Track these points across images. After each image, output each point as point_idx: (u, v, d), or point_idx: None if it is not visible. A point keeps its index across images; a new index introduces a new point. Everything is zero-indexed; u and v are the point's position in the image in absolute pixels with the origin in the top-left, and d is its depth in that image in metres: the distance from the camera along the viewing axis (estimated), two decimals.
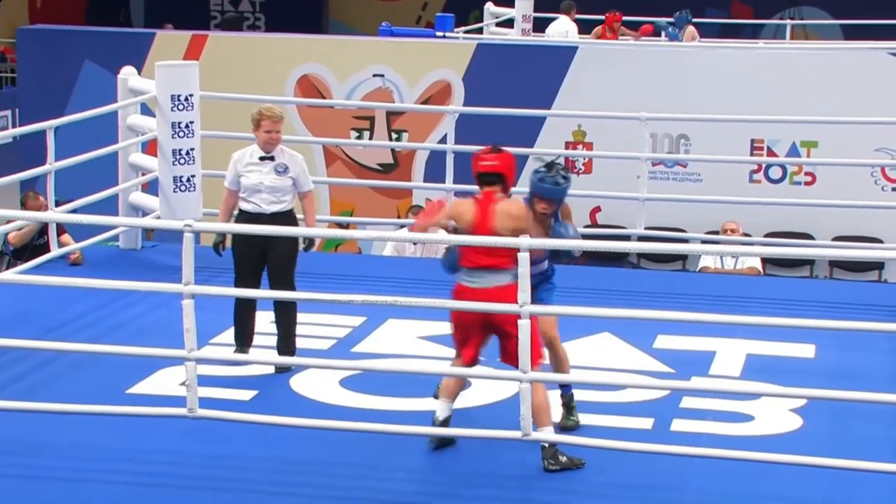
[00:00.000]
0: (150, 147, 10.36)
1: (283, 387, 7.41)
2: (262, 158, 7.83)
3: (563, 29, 15.21)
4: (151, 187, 10.33)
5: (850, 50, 13.99)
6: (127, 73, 10.34)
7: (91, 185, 10.00)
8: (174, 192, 9.48)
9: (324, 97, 13.06)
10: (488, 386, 7.29)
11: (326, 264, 10.15)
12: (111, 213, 9.88)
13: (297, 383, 7.44)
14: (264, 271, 7.84)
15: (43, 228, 9.76)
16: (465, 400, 7.24)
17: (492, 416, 6.98)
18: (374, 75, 13.07)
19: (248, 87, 11.92)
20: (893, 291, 10.11)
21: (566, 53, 12.73)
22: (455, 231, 6.61)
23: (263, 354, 7.84)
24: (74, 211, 9.56)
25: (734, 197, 11.23)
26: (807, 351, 8.12)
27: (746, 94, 12.12)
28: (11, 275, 8.67)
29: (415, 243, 10.80)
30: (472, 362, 6.65)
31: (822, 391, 6.73)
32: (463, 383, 6.78)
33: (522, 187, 7.17)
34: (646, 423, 6.98)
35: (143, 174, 10.36)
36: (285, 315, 7.85)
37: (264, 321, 8.19)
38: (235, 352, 7.86)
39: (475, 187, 6.76)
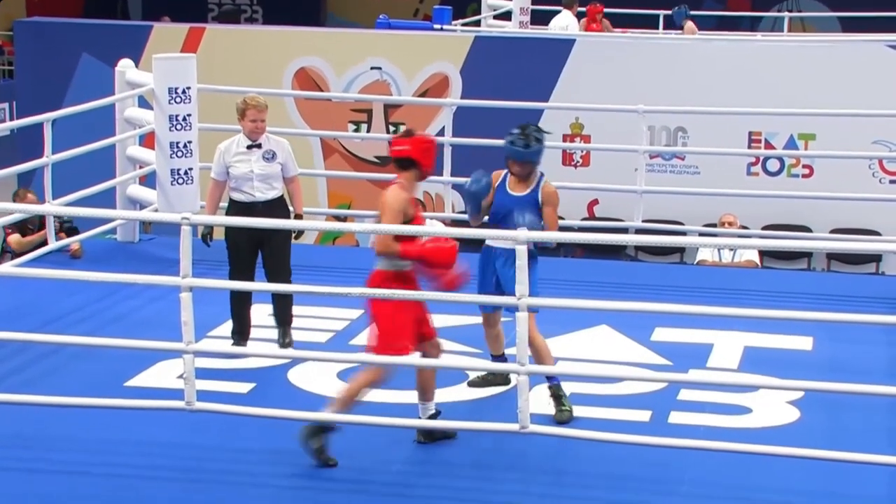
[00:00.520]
0: (147, 140, 10.35)
1: (281, 380, 7.42)
2: (249, 147, 7.88)
3: (563, 23, 15.19)
4: (149, 180, 10.33)
5: (847, 42, 13.97)
6: (124, 65, 10.34)
7: (88, 177, 9.99)
8: (172, 184, 9.49)
9: (321, 90, 13.04)
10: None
11: (324, 257, 10.16)
12: (109, 206, 9.87)
13: (295, 376, 7.45)
14: (258, 261, 7.87)
15: (44, 241, 9.70)
16: (461, 393, 7.26)
17: (489, 408, 7.00)
18: (372, 68, 13.05)
19: (245, 79, 11.89)
20: (891, 284, 10.11)
21: (564, 46, 12.72)
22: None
23: (261, 347, 7.85)
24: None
25: (732, 189, 11.23)
26: (804, 343, 8.13)
27: (744, 86, 12.11)
28: (9, 268, 8.66)
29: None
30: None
31: (820, 383, 6.74)
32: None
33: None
34: (643, 415, 6.99)
35: (141, 167, 10.36)
36: (283, 304, 7.90)
37: (261, 314, 8.20)
38: (233, 345, 7.87)
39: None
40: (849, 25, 17.85)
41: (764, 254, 11.43)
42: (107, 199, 10.10)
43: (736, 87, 12.11)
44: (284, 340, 7.95)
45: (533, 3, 16.03)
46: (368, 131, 13.04)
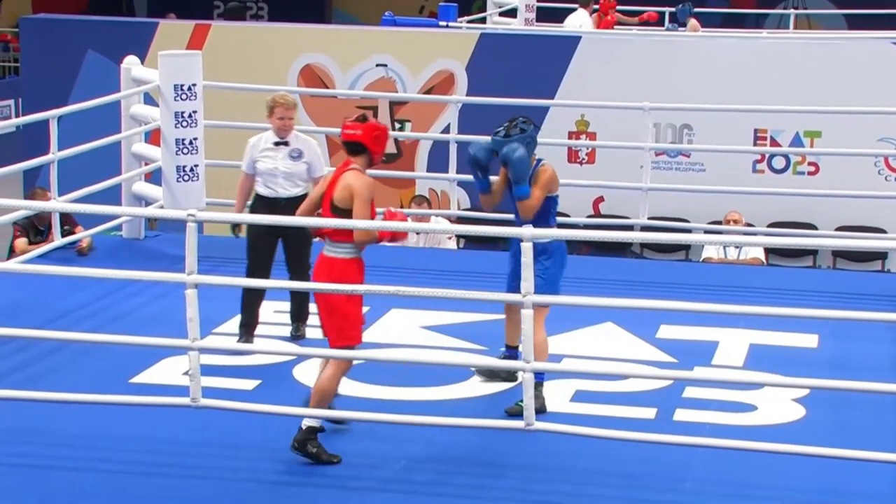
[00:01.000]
0: (153, 136, 10.36)
1: (287, 376, 7.42)
2: (276, 144, 8.00)
3: (578, 22, 15.14)
4: (154, 177, 10.33)
5: (853, 40, 13.95)
6: (130, 62, 10.34)
7: (94, 174, 10.00)
8: (177, 181, 9.49)
9: (327, 87, 13.05)
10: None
11: None
12: (114, 203, 9.88)
13: (301, 373, 7.45)
14: (276, 257, 7.95)
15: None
16: (466, 390, 7.26)
17: (493, 405, 7.00)
18: (378, 65, 13.06)
19: (251, 76, 11.91)
20: None
21: (569, 43, 12.71)
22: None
23: (266, 344, 7.85)
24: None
25: (737, 187, 11.22)
26: (809, 341, 8.12)
27: (750, 83, 12.10)
28: (15, 264, 8.68)
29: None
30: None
31: (825, 381, 6.74)
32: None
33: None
34: (649, 412, 6.98)
35: (147, 164, 10.36)
36: (301, 300, 8.02)
37: (268, 311, 8.21)
38: (239, 340, 7.89)
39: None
40: (855, 23, 17.81)
41: (769, 251, 11.42)
42: (112, 195, 10.11)
43: (741, 84, 12.10)
44: (297, 333, 8.04)
45: (539, 0, 16.02)
46: None
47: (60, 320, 8.23)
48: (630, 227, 10.70)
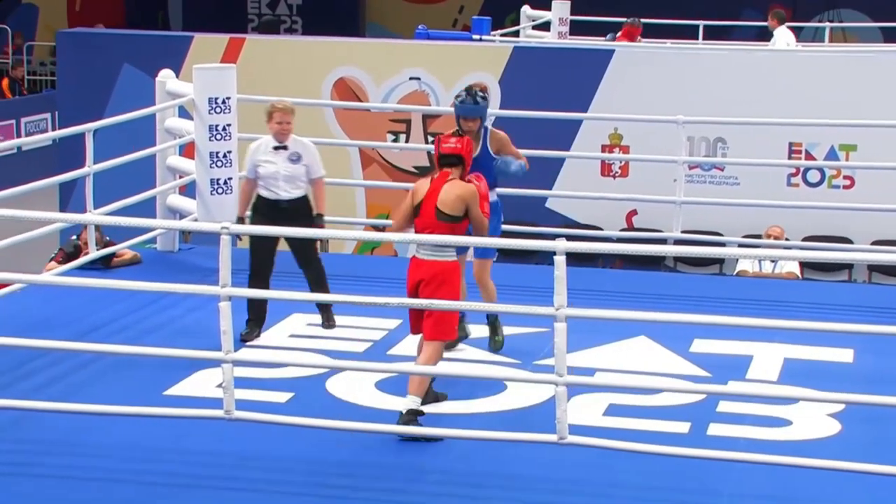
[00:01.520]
0: (187, 150, 10.40)
1: (319, 389, 7.43)
2: (275, 148, 8.33)
3: None
4: (189, 190, 10.37)
5: (889, 52, 13.88)
6: (165, 76, 10.40)
7: (129, 187, 10.05)
8: (211, 194, 9.52)
9: (360, 100, 13.08)
10: (521, 389, 7.29)
11: (362, 267, 10.18)
12: (149, 216, 9.93)
13: (333, 386, 7.46)
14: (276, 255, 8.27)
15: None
16: (500, 403, 7.25)
17: (526, 418, 6.98)
18: (411, 78, 13.08)
19: (284, 90, 11.92)
20: None
21: (603, 57, 12.70)
22: (415, 207, 7.10)
23: (299, 357, 7.86)
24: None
25: (772, 201, 11.17)
26: (845, 355, 8.07)
27: (784, 97, 12.05)
28: (51, 276, 8.73)
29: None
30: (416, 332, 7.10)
31: (861, 396, 6.69)
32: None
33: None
34: (682, 426, 6.95)
35: (181, 177, 10.41)
36: (320, 290, 8.26)
37: (300, 323, 8.22)
38: (246, 332, 8.05)
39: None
40: (891, 35, 17.73)
41: (805, 265, 11.36)
42: (147, 208, 10.16)
43: (776, 97, 12.06)
44: (328, 323, 8.35)
45: (573, 14, 16.01)
46: (407, 141, 13.06)
47: (95, 333, 8.27)
48: (664, 241, 10.66)
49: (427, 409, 6.94)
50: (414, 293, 6.96)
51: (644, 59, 12.88)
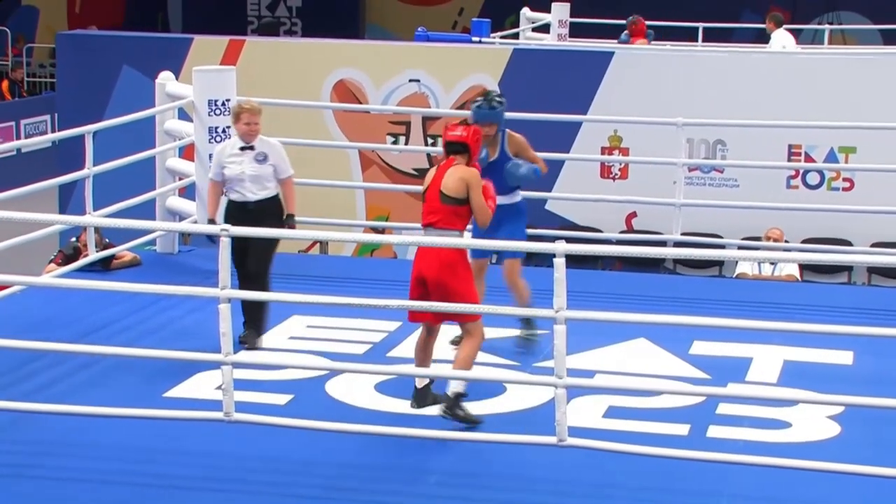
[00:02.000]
0: (187, 152, 10.41)
1: (319, 391, 7.43)
2: (242, 149, 8.21)
3: None
4: (188, 192, 10.38)
5: (888, 55, 13.89)
6: (164, 77, 10.40)
7: (129, 189, 10.05)
8: None
9: (360, 102, 13.08)
10: (521, 391, 7.29)
11: (361, 269, 10.18)
12: (148, 218, 9.93)
13: (333, 388, 7.46)
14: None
15: None
16: (499, 405, 7.25)
17: (524, 421, 6.98)
18: (411, 80, 13.08)
19: (284, 91, 11.95)
20: None
21: (602, 59, 12.70)
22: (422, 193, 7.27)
23: (299, 359, 7.86)
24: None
25: (771, 203, 11.17)
26: (844, 358, 8.07)
27: (784, 99, 12.06)
28: (50, 278, 8.72)
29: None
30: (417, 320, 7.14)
31: (860, 398, 6.69)
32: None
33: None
34: (682, 429, 6.95)
35: (180, 179, 10.41)
36: (255, 308, 8.00)
37: (300, 326, 8.21)
38: (244, 336, 7.94)
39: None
40: (890, 38, 17.74)
41: (804, 267, 11.36)
42: (147, 210, 10.16)
43: (775, 99, 12.06)
44: (248, 342, 7.99)
45: (572, 16, 16.02)
46: (406, 143, 13.06)
47: (94, 334, 8.27)
48: (663, 243, 10.66)
49: (427, 410, 6.94)
50: (418, 282, 6.97)
51: (643, 61, 12.88)
